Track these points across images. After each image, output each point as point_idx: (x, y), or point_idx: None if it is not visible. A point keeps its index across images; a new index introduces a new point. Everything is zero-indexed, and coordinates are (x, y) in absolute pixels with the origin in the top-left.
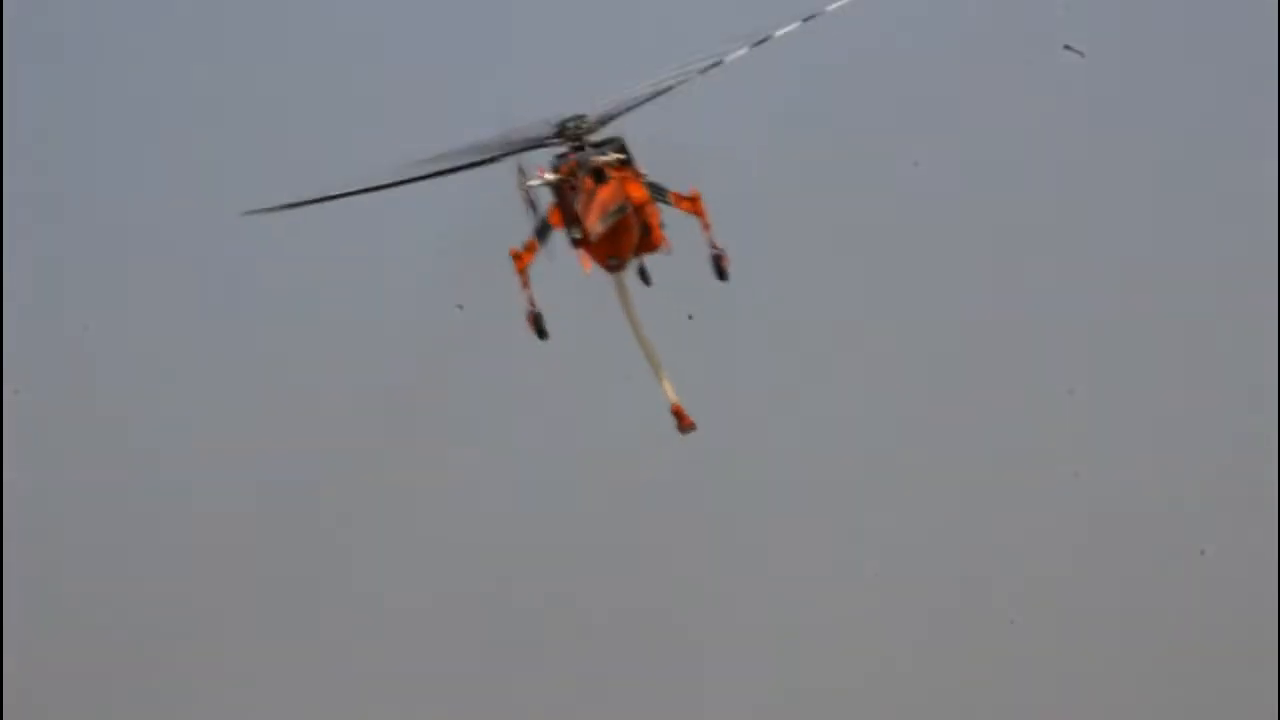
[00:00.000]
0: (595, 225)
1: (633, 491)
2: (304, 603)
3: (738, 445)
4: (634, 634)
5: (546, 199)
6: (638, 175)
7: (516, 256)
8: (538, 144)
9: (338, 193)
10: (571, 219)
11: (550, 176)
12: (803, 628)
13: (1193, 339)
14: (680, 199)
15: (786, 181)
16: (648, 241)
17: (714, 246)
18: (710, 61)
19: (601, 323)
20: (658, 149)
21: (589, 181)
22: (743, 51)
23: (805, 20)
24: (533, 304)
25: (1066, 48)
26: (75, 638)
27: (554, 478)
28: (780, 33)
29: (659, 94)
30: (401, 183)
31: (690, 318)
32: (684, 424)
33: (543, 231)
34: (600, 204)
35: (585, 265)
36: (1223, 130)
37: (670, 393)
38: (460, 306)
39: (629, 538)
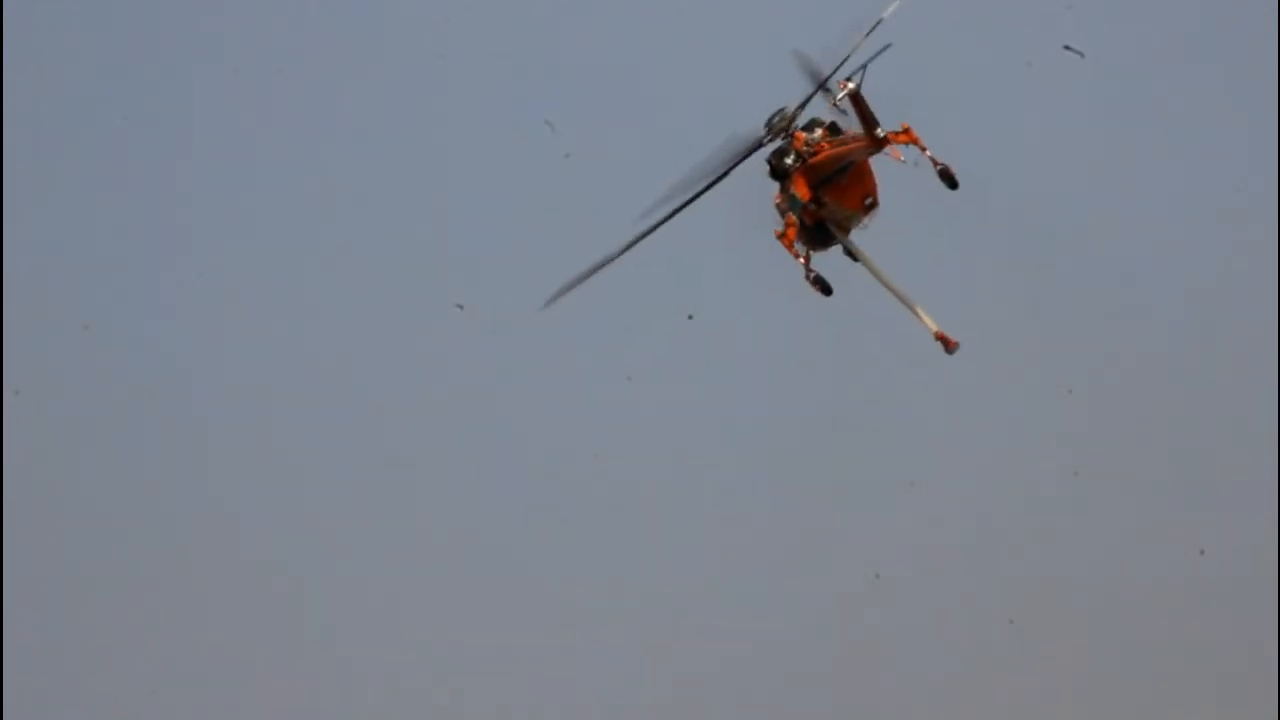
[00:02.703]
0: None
1: (633, 490)
2: (304, 602)
3: (737, 445)
4: (636, 635)
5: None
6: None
7: (781, 236)
8: (757, 145)
9: (613, 255)
10: (868, 123)
11: (852, 85)
12: (803, 628)
13: (1193, 339)
14: (896, 135)
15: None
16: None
17: (937, 163)
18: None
19: (600, 323)
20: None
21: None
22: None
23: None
24: (809, 270)
25: (1066, 48)
26: (75, 637)
27: (554, 477)
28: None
29: (802, 105)
30: (659, 225)
31: (690, 318)
32: (950, 346)
33: (794, 204)
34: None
35: (854, 203)
36: (1223, 130)
37: (930, 323)
38: (460, 306)
39: (630, 537)
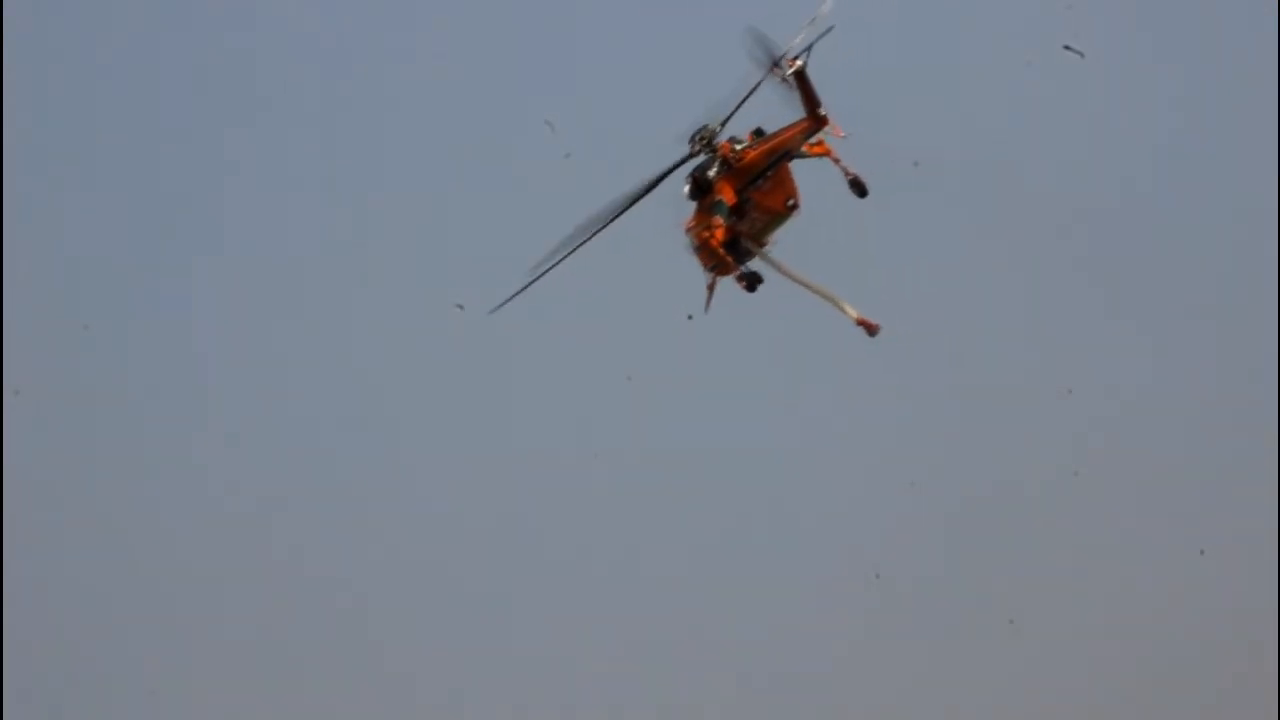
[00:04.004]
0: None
1: (633, 490)
2: (305, 599)
3: (737, 444)
4: (638, 635)
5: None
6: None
7: (716, 230)
8: (682, 161)
9: (545, 268)
10: (811, 101)
11: (799, 64)
12: (804, 628)
13: (1193, 339)
14: (812, 148)
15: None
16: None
17: (848, 172)
18: (777, 56)
19: (601, 325)
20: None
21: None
22: (801, 56)
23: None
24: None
25: (1066, 48)
26: (75, 636)
27: (553, 476)
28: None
29: (751, 93)
30: (591, 236)
31: (690, 318)
32: (871, 330)
33: (719, 206)
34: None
35: (778, 204)
36: (1222, 130)
37: (850, 311)
38: (460, 306)
39: (629, 536)
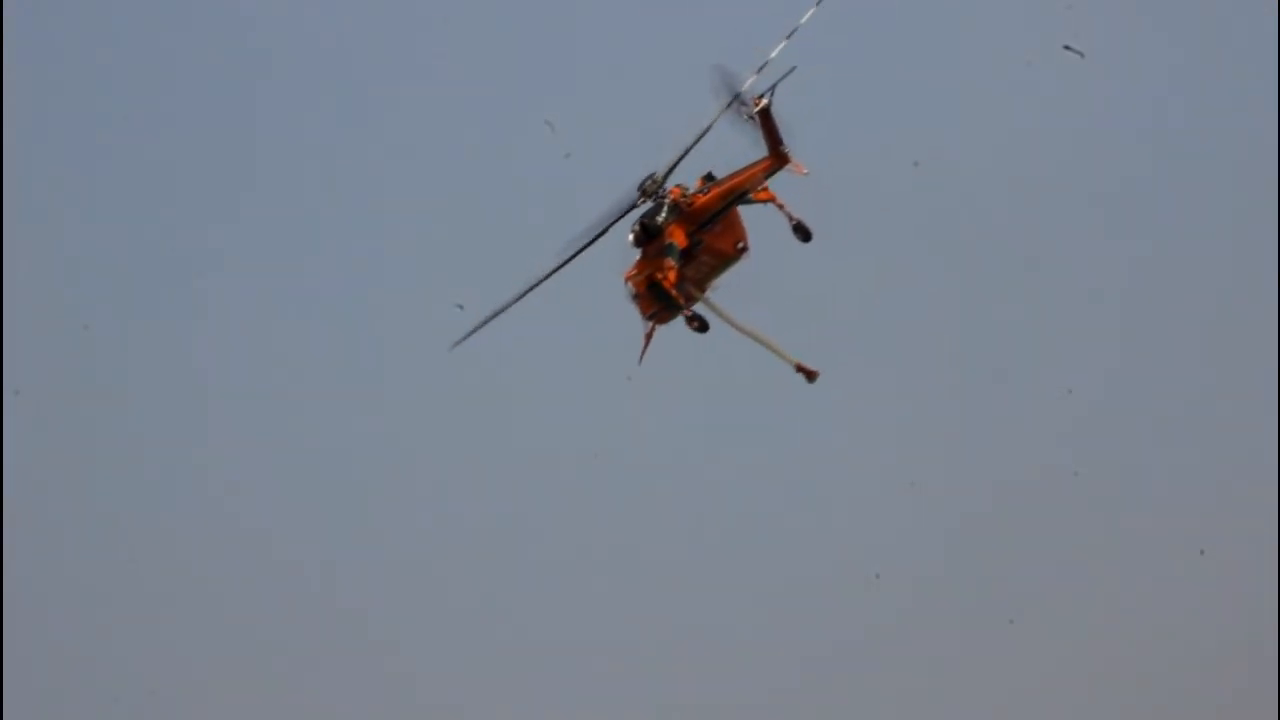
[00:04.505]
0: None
1: (632, 489)
2: (305, 599)
3: (737, 444)
4: (640, 636)
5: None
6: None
7: (669, 271)
8: (631, 207)
9: (502, 307)
10: (774, 139)
11: (765, 101)
12: (803, 627)
13: (1193, 339)
14: (759, 194)
15: (788, 180)
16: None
17: (792, 218)
18: (721, 108)
19: (602, 327)
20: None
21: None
22: (742, 95)
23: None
24: (688, 311)
25: (1066, 48)
26: (75, 636)
27: (553, 476)
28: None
29: (699, 139)
30: (542, 281)
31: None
32: (810, 376)
33: (672, 250)
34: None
35: (728, 247)
36: (1223, 129)
37: (788, 358)
38: (461, 306)
39: (629, 536)
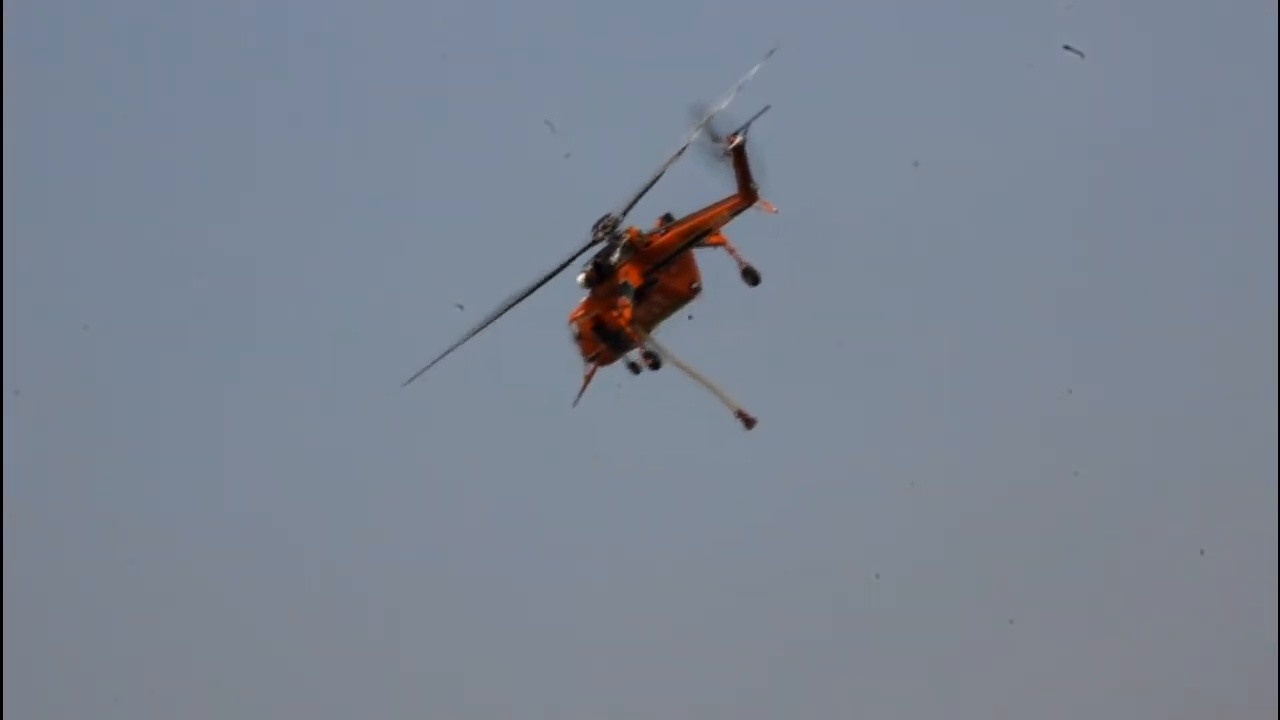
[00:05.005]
0: (695, 282)
1: (631, 490)
2: (305, 600)
3: (737, 445)
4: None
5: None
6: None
7: (624, 309)
8: (586, 246)
9: (456, 343)
10: (746, 177)
11: (739, 139)
12: (803, 627)
13: (1193, 339)
14: (713, 238)
15: (787, 181)
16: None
17: (741, 262)
18: (680, 147)
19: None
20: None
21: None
22: (697, 133)
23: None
24: (643, 347)
25: (1066, 48)
26: (75, 636)
27: (553, 475)
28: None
29: (655, 180)
30: (495, 318)
31: (690, 318)
32: (749, 422)
33: (626, 289)
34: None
35: (683, 287)
36: (1222, 129)
37: (730, 401)
38: (461, 306)
39: (630, 536)
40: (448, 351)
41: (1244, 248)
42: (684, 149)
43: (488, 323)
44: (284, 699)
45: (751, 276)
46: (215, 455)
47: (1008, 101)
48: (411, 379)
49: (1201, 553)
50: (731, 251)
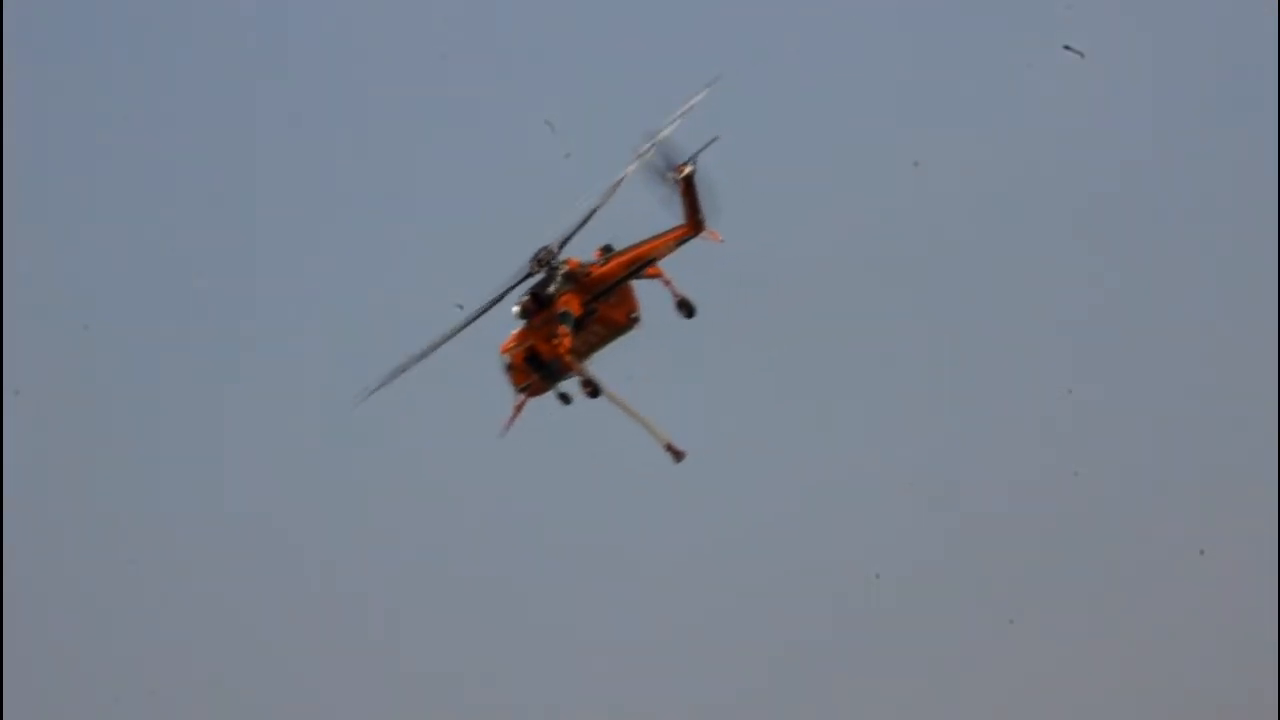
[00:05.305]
0: (633, 311)
1: (631, 491)
2: (305, 600)
3: (737, 444)
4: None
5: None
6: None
7: (564, 339)
8: (525, 276)
9: (405, 363)
10: (694, 207)
11: (689, 169)
12: (803, 627)
13: (1193, 339)
14: (650, 269)
15: (787, 181)
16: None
17: (676, 294)
18: (617, 179)
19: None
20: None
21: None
22: (635, 166)
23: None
24: (583, 374)
25: (1066, 48)
26: (75, 636)
27: (553, 475)
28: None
29: (594, 211)
30: (435, 348)
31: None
32: (677, 456)
33: (567, 317)
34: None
35: (621, 317)
36: (1222, 129)
37: (660, 435)
38: (460, 306)
39: (630, 536)
40: (395, 374)
41: (1244, 248)
42: (621, 180)
43: (428, 352)
44: (284, 699)
45: (687, 308)
46: (215, 455)
47: (1008, 101)
48: (361, 399)
49: (1201, 553)
50: (668, 283)
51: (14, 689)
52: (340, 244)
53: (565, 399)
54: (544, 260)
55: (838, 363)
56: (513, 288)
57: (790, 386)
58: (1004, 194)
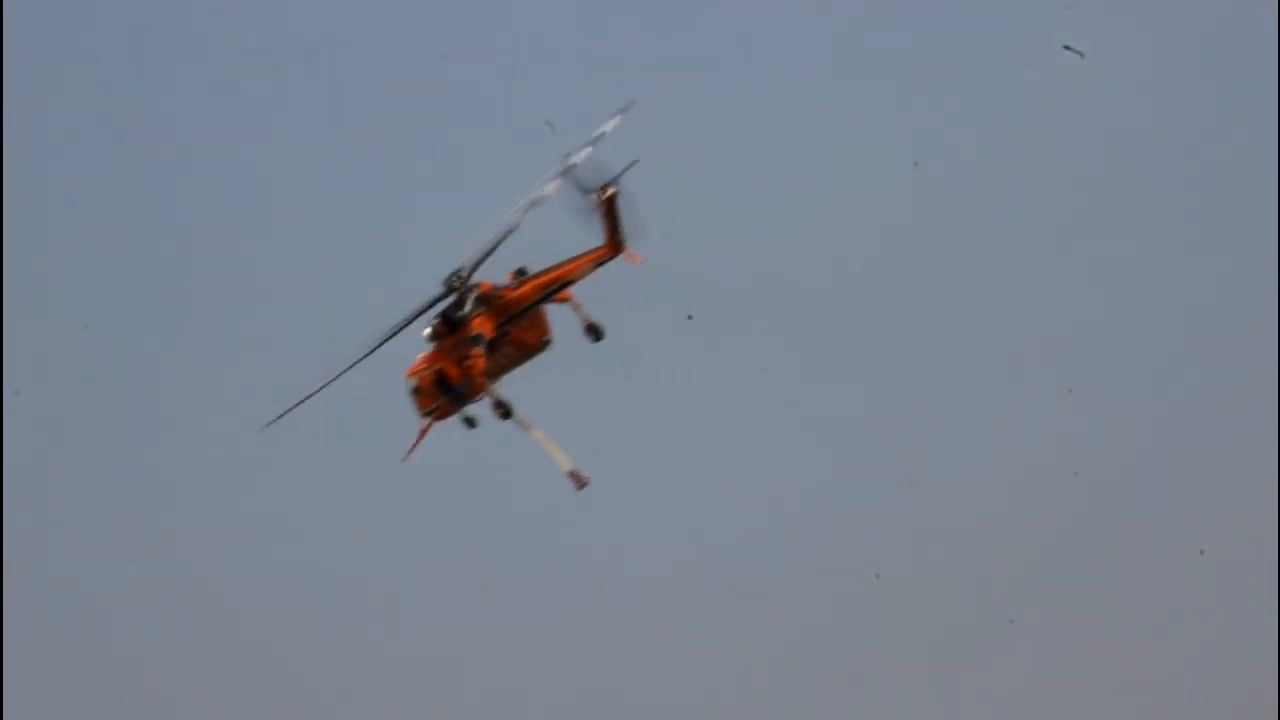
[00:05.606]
0: (546, 334)
1: (632, 489)
2: (305, 600)
3: (737, 444)
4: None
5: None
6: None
7: (477, 360)
8: (437, 300)
9: (316, 389)
10: (615, 228)
11: (612, 190)
12: (804, 627)
13: (1193, 339)
14: (561, 296)
15: (787, 181)
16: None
17: (585, 319)
18: (531, 199)
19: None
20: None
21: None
22: (550, 189)
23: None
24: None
25: (1066, 48)
26: (75, 636)
27: (553, 474)
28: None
29: (507, 234)
30: (346, 370)
31: (690, 318)
32: (580, 483)
33: (479, 339)
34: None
35: (534, 340)
36: (1222, 130)
37: (563, 461)
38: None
39: (630, 536)
40: (304, 399)
41: (1244, 248)
42: (533, 204)
43: (336, 377)
44: (284, 699)
45: (594, 333)
46: (215, 455)
47: (1008, 101)
48: (270, 423)
49: (1201, 553)
50: (576, 308)
51: (14, 689)
52: (341, 244)
53: (470, 423)
54: (456, 284)
55: (837, 363)
56: (423, 310)
57: (791, 386)
58: (1003, 194)
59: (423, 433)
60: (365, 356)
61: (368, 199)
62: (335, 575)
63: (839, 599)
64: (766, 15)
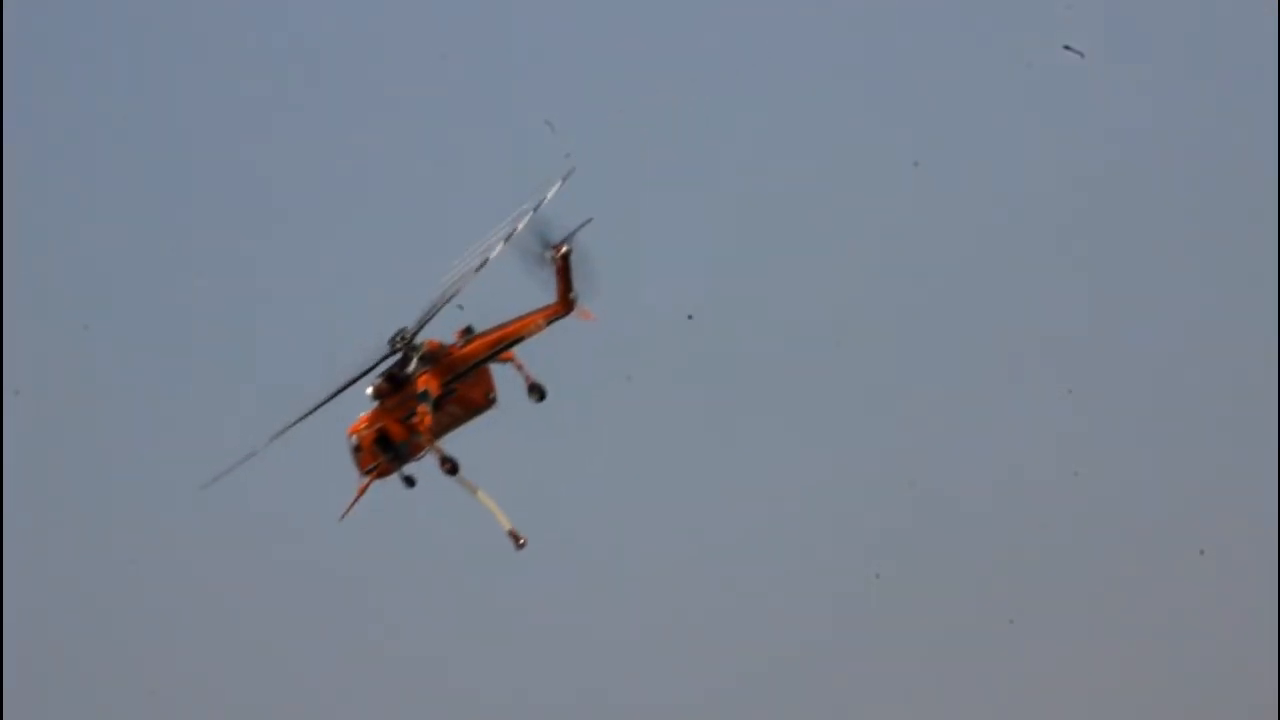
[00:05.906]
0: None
1: (632, 490)
2: (305, 600)
3: (737, 443)
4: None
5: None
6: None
7: (425, 416)
8: (382, 358)
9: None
10: (567, 285)
11: (565, 248)
12: (804, 627)
13: (1193, 339)
14: (504, 355)
15: (787, 181)
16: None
17: (529, 379)
18: (480, 261)
19: (605, 322)
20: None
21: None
22: (501, 248)
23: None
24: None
25: (1066, 48)
26: (75, 636)
27: (552, 475)
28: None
29: (450, 297)
30: (296, 423)
31: (690, 318)
32: (519, 543)
33: (425, 397)
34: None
35: (479, 397)
36: (1222, 129)
37: (504, 521)
38: (461, 307)
39: (630, 536)
40: (245, 459)
41: (1244, 248)
42: (483, 264)
43: (278, 435)
44: (284, 699)
45: (538, 393)
46: (215, 455)
47: (1008, 101)
48: (211, 482)
49: (1201, 553)
50: (520, 368)
51: (14, 689)
52: (340, 244)
53: (409, 482)
54: (399, 344)
55: (837, 363)
56: (369, 370)
57: (790, 386)
58: (1003, 194)
59: (362, 490)
60: (304, 418)
61: (368, 199)
62: (335, 575)
63: (839, 599)
64: (766, 15)
